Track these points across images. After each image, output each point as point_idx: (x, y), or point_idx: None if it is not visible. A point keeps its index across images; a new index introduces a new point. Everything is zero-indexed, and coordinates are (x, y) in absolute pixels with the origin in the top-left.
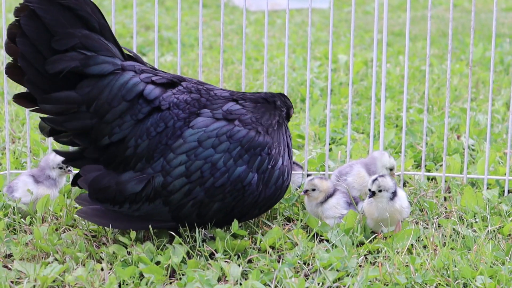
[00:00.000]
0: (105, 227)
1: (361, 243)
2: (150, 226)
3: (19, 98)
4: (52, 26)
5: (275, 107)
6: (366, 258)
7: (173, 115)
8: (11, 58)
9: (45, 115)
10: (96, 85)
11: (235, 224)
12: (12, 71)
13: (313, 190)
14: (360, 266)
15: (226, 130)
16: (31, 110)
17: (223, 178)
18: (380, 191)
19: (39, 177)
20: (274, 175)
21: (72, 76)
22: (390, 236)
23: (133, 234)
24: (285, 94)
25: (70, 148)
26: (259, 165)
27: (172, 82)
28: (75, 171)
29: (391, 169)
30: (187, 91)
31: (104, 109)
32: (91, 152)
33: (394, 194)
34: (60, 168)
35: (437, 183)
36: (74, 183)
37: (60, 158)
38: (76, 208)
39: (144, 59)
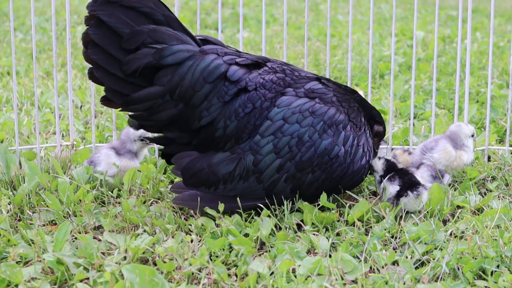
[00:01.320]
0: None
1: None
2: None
3: (105, 101)
4: (119, 28)
5: (353, 97)
6: (453, 233)
7: (260, 96)
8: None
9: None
10: (175, 73)
11: (323, 197)
12: (93, 77)
13: None
14: (451, 235)
15: (308, 107)
16: (119, 111)
17: (310, 151)
18: (373, 170)
19: (120, 150)
20: (359, 152)
21: (147, 72)
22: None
23: (221, 206)
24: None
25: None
26: (344, 141)
27: (257, 63)
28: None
29: (472, 135)
30: (272, 72)
31: (188, 94)
32: (183, 137)
33: (382, 177)
34: (141, 140)
35: None
36: (164, 155)
37: (140, 131)
38: (161, 181)
39: (220, 35)
